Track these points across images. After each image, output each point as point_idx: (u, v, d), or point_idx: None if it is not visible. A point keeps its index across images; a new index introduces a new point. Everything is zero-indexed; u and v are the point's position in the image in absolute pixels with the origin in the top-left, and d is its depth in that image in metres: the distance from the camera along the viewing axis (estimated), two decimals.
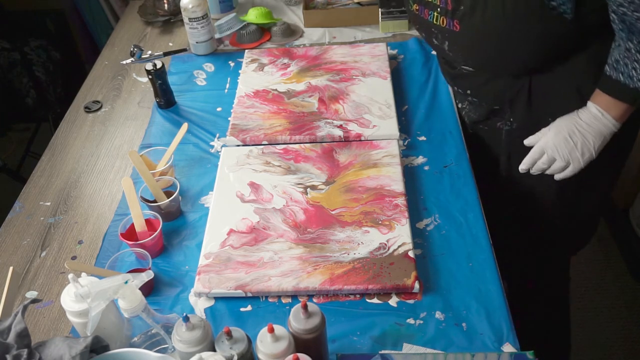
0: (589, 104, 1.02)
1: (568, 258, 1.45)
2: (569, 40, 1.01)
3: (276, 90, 1.38)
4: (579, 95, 1.05)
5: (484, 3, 0.97)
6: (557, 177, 1.07)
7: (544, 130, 1.06)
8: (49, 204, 1.20)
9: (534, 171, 1.09)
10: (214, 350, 0.79)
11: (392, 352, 0.88)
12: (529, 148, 1.09)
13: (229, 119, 1.32)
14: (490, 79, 1.14)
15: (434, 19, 1.07)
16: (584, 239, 1.37)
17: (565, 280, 1.44)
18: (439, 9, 1.05)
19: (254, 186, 1.14)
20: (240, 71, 1.47)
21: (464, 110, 1.29)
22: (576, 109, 1.04)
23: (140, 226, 1.04)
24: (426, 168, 1.19)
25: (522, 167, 1.09)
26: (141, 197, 1.09)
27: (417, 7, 1.11)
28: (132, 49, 1.61)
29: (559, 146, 1.02)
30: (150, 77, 1.35)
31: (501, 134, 1.20)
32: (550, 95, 1.08)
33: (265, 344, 0.77)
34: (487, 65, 1.11)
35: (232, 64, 1.53)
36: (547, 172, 1.07)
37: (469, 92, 1.21)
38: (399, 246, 1.00)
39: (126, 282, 0.80)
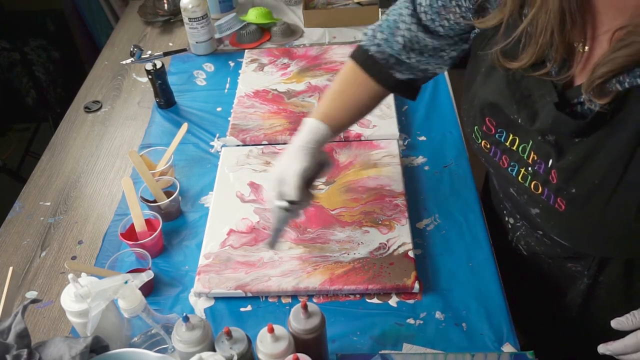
0: None
1: None
2: None
3: (276, 90, 1.38)
4: None
5: (609, 196, 0.70)
6: None
7: (639, 314, 0.75)
8: (49, 204, 1.20)
9: (619, 359, 0.78)
10: (214, 350, 0.79)
11: (392, 352, 0.88)
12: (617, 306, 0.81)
13: (229, 119, 1.32)
14: None
15: (519, 176, 0.81)
16: None
17: None
18: (530, 169, 0.79)
19: (254, 186, 1.14)
20: (240, 71, 1.47)
21: (519, 232, 0.98)
22: None
23: (140, 226, 1.04)
24: (426, 168, 1.19)
25: (604, 351, 0.78)
26: (141, 197, 1.09)
27: (488, 146, 0.84)
28: (132, 49, 1.61)
29: None
30: (150, 77, 1.35)
31: (575, 277, 0.93)
32: None
33: (265, 344, 0.77)
34: (591, 249, 0.84)
35: (232, 64, 1.53)
36: None
37: (539, 232, 0.91)
38: (399, 246, 1.00)
39: (126, 282, 0.80)
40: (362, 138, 1.23)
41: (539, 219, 0.83)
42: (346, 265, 0.98)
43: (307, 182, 0.91)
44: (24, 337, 0.75)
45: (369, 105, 0.98)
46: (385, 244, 1.01)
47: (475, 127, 0.85)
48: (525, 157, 0.79)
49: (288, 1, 1.78)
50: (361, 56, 0.94)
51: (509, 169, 0.82)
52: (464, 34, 0.88)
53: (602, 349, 0.77)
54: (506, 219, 1.00)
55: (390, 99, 1.31)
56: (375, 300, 0.96)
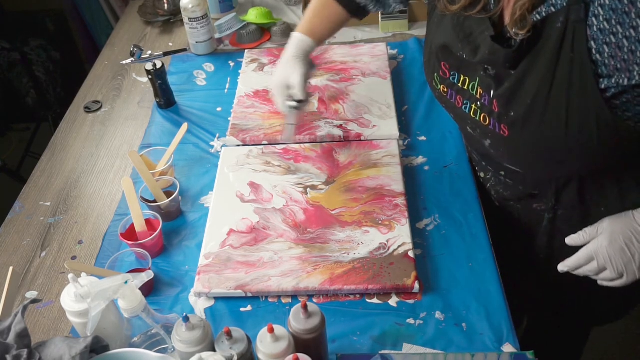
0: None
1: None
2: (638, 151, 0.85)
3: None
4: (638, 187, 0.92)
5: (541, 113, 0.80)
6: (602, 284, 0.89)
7: (590, 230, 0.87)
8: (49, 204, 1.20)
9: (577, 273, 0.90)
10: (214, 351, 0.79)
11: (392, 352, 0.88)
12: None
13: (229, 119, 1.32)
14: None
15: (471, 112, 0.91)
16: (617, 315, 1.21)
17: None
18: (478, 104, 0.89)
19: (254, 186, 1.14)
20: (240, 71, 1.47)
21: (489, 183, 1.10)
22: (636, 200, 0.91)
23: (140, 226, 1.04)
24: (426, 168, 1.19)
25: (563, 268, 0.90)
26: (141, 197, 1.09)
27: (445, 90, 0.95)
28: (132, 49, 1.61)
29: (614, 257, 0.84)
30: (150, 77, 1.35)
31: (541, 217, 1.02)
32: (607, 186, 0.93)
33: (265, 344, 0.77)
34: (538, 170, 0.94)
35: (232, 64, 1.53)
36: (593, 278, 0.89)
37: (502, 173, 1.03)
38: (399, 246, 1.00)
39: (126, 282, 0.80)
40: (362, 138, 1.23)
41: (492, 150, 0.94)
42: (346, 265, 0.98)
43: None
44: (24, 337, 0.75)
45: (344, 20, 1.17)
46: (385, 244, 1.01)
47: (435, 74, 0.96)
48: (474, 94, 0.89)
49: (288, 1, 1.78)
50: None
51: (463, 107, 0.93)
52: None
53: (561, 266, 0.90)
54: (479, 174, 1.13)
55: (390, 99, 1.31)
56: (375, 300, 0.96)
